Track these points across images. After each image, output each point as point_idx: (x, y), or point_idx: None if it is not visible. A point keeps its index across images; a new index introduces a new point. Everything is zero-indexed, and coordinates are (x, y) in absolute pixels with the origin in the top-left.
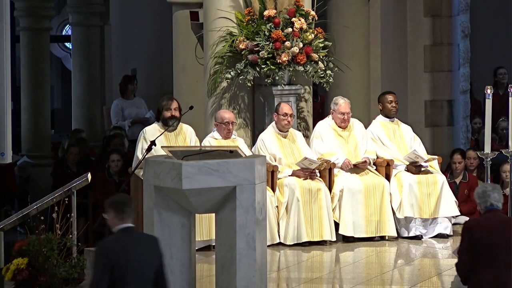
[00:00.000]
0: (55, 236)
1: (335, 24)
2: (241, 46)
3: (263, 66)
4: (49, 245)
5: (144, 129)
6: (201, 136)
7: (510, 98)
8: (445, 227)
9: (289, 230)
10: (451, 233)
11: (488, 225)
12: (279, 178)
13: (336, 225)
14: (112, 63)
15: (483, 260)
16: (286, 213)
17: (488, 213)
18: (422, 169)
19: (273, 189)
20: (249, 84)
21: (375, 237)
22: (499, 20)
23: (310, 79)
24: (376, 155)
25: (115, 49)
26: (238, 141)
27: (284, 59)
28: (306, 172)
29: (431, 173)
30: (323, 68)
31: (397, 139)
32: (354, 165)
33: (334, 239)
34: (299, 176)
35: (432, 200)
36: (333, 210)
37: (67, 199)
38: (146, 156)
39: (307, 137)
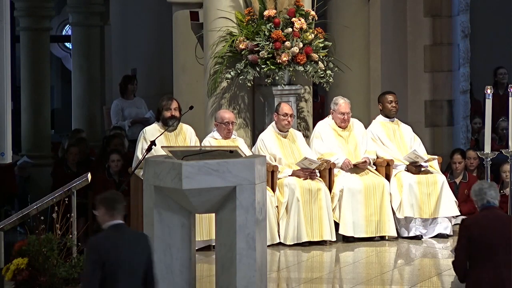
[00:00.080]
0: (55, 236)
1: (335, 24)
2: (241, 46)
3: (263, 66)
4: (49, 245)
5: (144, 129)
6: (201, 136)
7: (510, 98)
8: (445, 227)
9: (289, 230)
10: (451, 233)
11: (486, 222)
12: (279, 178)
13: (336, 225)
14: (112, 63)
15: (481, 257)
16: (286, 213)
17: (485, 211)
18: (422, 169)
19: (273, 189)
20: (249, 84)
21: (375, 237)
22: (499, 20)
23: (310, 79)
24: (376, 155)
25: (115, 49)
26: (238, 141)
27: (284, 59)
28: (306, 172)
29: (431, 173)
30: (323, 68)
31: (397, 139)
32: (354, 165)
33: (334, 239)
34: (299, 176)
35: (432, 200)
36: (333, 210)
37: (67, 199)
38: (146, 156)
39: (307, 137)
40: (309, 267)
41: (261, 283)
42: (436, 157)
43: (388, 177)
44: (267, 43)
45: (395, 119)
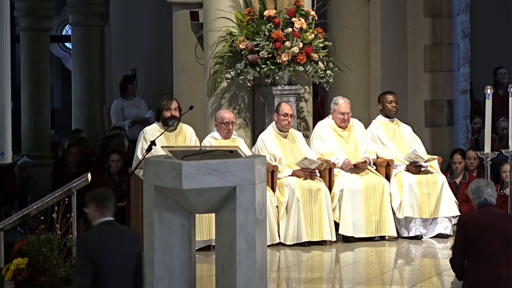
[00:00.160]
0: (55, 236)
1: (335, 24)
2: (241, 46)
3: (263, 66)
4: (49, 245)
5: (144, 129)
6: (201, 136)
7: (510, 98)
8: (445, 227)
9: (289, 230)
10: (451, 233)
11: (482, 220)
12: (279, 178)
13: (336, 225)
14: (112, 63)
15: (478, 255)
16: (286, 213)
17: (482, 208)
18: (422, 169)
19: (273, 189)
20: (249, 84)
21: (375, 237)
22: (499, 20)
23: (310, 79)
24: (376, 155)
25: (115, 49)
26: (238, 141)
27: (284, 59)
28: (306, 172)
29: (431, 173)
30: (323, 68)
31: (397, 139)
32: (354, 165)
33: (334, 239)
34: (299, 176)
35: (432, 200)
36: (333, 210)
37: (67, 199)
38: (146, 156)
39: (307, 137)
40: (309, 267)
41: (261, 283)
42: (436, 157)
43: (388, 177)
44: (267, 43)
45: (395, 119)
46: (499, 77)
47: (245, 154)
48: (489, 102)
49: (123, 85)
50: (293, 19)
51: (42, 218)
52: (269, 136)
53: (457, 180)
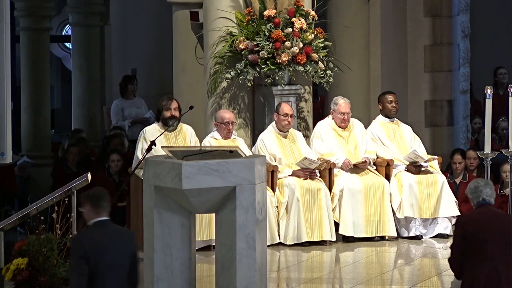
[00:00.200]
0: (55, 236)
1: (335, 24)
2: (241, 46)
3: (263, 66)
4: (49, 245)
5: (144, 129)
6: (201, 136)
7: (510, 98)
8: (445, 227)
9: (289, 230)
10: (451, 233)
11: (481, 219)
12: (279, 178)
13: (336, 225)
14: (112, 63)
15: (476, 254)
16: (286, 213)
17: (481, 208)
18: (422, 169)
19: (273, 189)
20: (249, 84)
21: (375, 237)
22: (499, 20)
23: (310, 79)
24: (376, 155)
25: (115, 49)
26: (238, 141)
27: (284, 59)
28: (306, 172)
29: (431, 173)
30: (323, 68)
31: (397, 139)
32: (354, 165)
33: (334, 239)
34: (299, 176)
35: (432, 200)
36: (333, 210)
37: (67, 199)
38: (146, 156)
39: (307, 137)
40: (309, 267)
41: (261, 283)
42: (436, 157)
43: (388, 177)
44: (267, 43)
45: (395, 119)
46: (499, 77)
47: (245, 154)
48: (489, 102)
49: (123, 85)
50: (293, 19)
51: (42, 218)
52: (269, 136)
53: (457, 180)
